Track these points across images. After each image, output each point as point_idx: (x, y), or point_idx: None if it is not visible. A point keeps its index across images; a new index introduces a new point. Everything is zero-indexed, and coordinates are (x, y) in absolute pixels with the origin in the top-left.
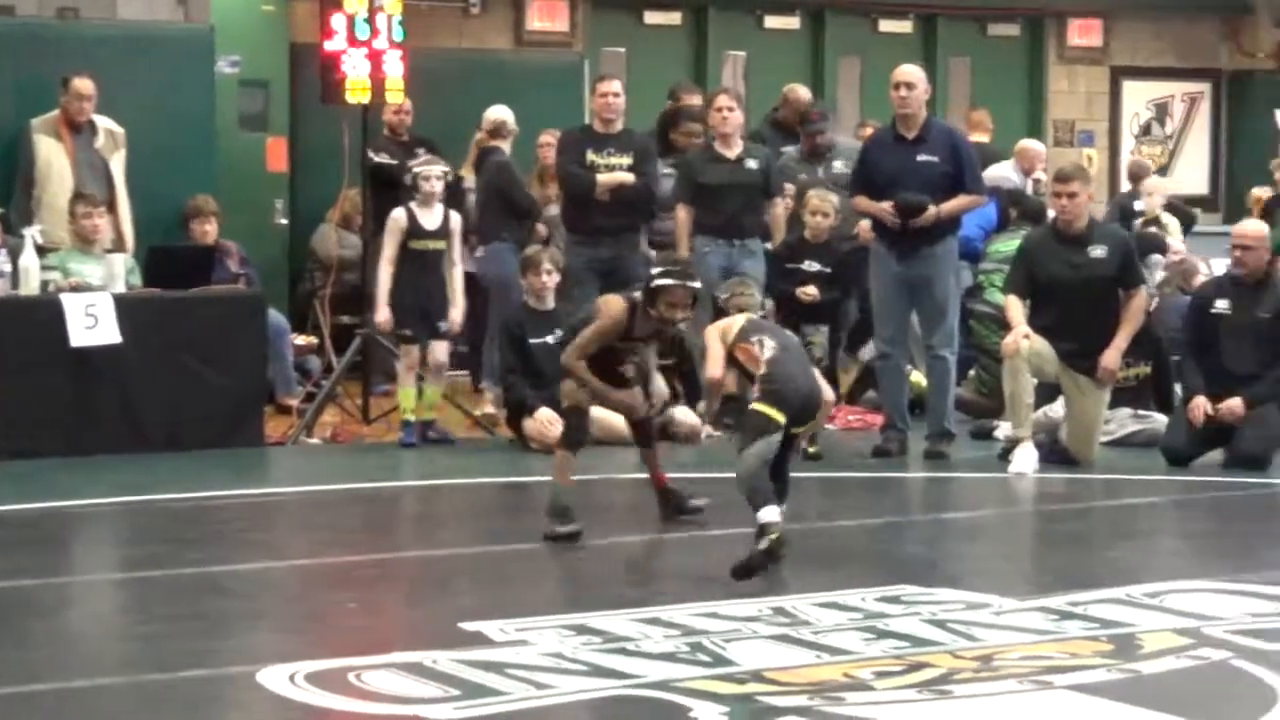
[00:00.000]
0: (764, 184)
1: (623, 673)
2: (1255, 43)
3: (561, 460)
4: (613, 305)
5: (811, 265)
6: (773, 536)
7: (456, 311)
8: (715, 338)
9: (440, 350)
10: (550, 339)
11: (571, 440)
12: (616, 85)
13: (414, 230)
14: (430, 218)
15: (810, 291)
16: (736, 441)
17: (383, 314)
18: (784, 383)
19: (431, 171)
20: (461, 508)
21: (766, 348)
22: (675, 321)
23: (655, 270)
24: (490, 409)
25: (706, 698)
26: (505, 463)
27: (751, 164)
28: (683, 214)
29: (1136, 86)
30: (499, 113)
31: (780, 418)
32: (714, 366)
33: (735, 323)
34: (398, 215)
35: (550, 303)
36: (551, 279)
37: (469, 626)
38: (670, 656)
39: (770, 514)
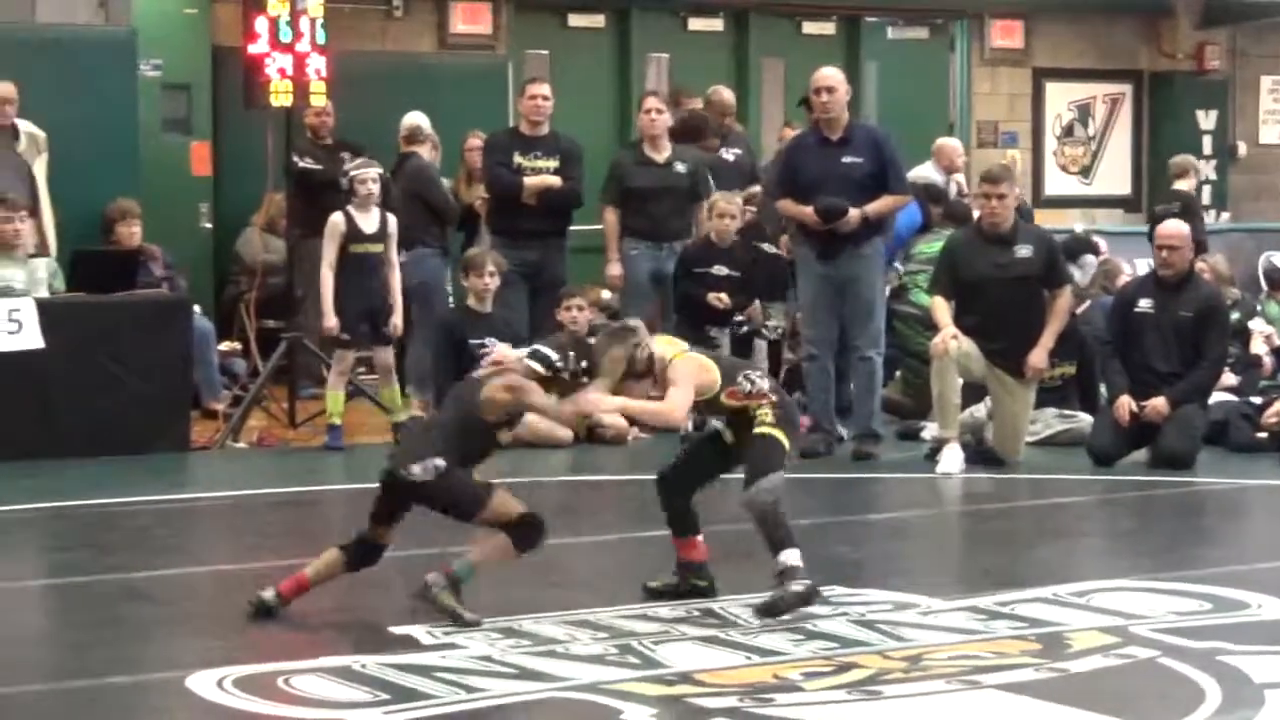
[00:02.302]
0: (692, 188)
1: (552, 675)
2: (1175, 44)
3: None
4: None
5: (720, 269)
6: (805, 582)
7: (396, 315)
8: (689, 386)
9: (386, 353)
10: (489, 342)
11: None
12: (545, 88)
13: (353, 234)
14: (368, 221)
15: (722, 298)
16: (752, 470)
17: (330, 320)
18: (791, 408)
19: (368, 174)
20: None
21: (755, 383)
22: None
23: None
24: (418, 413)
25: (636, 700)
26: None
27: (680, 168)
28: (611, 217)
29: (1059, 88)
30: (413, 119)
31: (791, 447)
32: (679, 412)
33: (710, 374)
34: (336, 219)
35: (489, 305)
36: (494, 281)
37: (398, 630)
38: (599, 659)
39: (793, 557)
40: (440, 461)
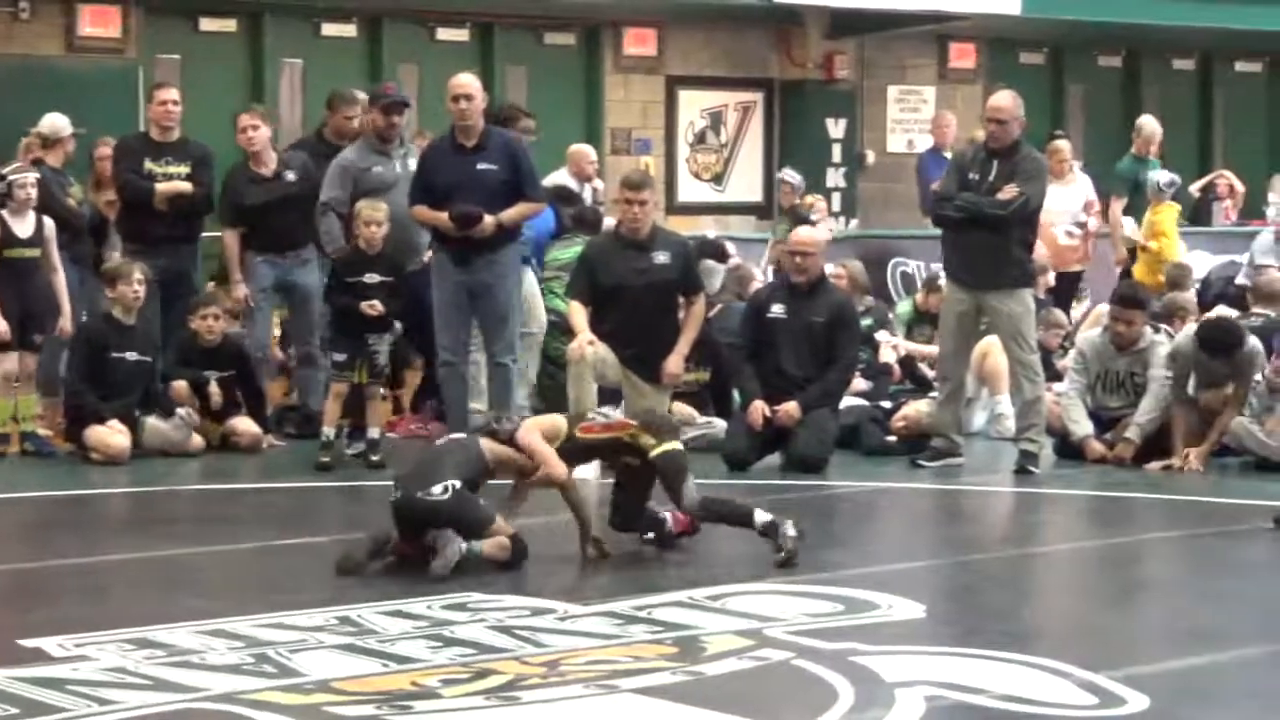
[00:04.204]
0: (308, 192)
1: (187, 686)
2: (805, 53)
3: None
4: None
5: (372, 277)
6: (790, 528)
7: (65, 319)
8: (541, 441)
9: (31, 360)
10: (130, 355)
11: None
12: (174, 93)
13: (7, 239)
14: (24, 225)
15: (376, 306)
16: (669, 491)
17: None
18: (664, 416)
19: (27, 179)
20: (20, 522)
21: (611, 413)
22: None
23: None
24: (45, 431)
25: (273, 709)
26: (64, 475)
27: (290, 175)
28: (230, 239)
29: (691, 95)
30: (47, 124)
31: (682, 446)
32: (557, 466)
33: (553, 419)
34: None
35: (135, 316)
36: (142, 289)
37: (27, 643)
38: (235, 668)
39: (765, 514)
40: (456, 482)
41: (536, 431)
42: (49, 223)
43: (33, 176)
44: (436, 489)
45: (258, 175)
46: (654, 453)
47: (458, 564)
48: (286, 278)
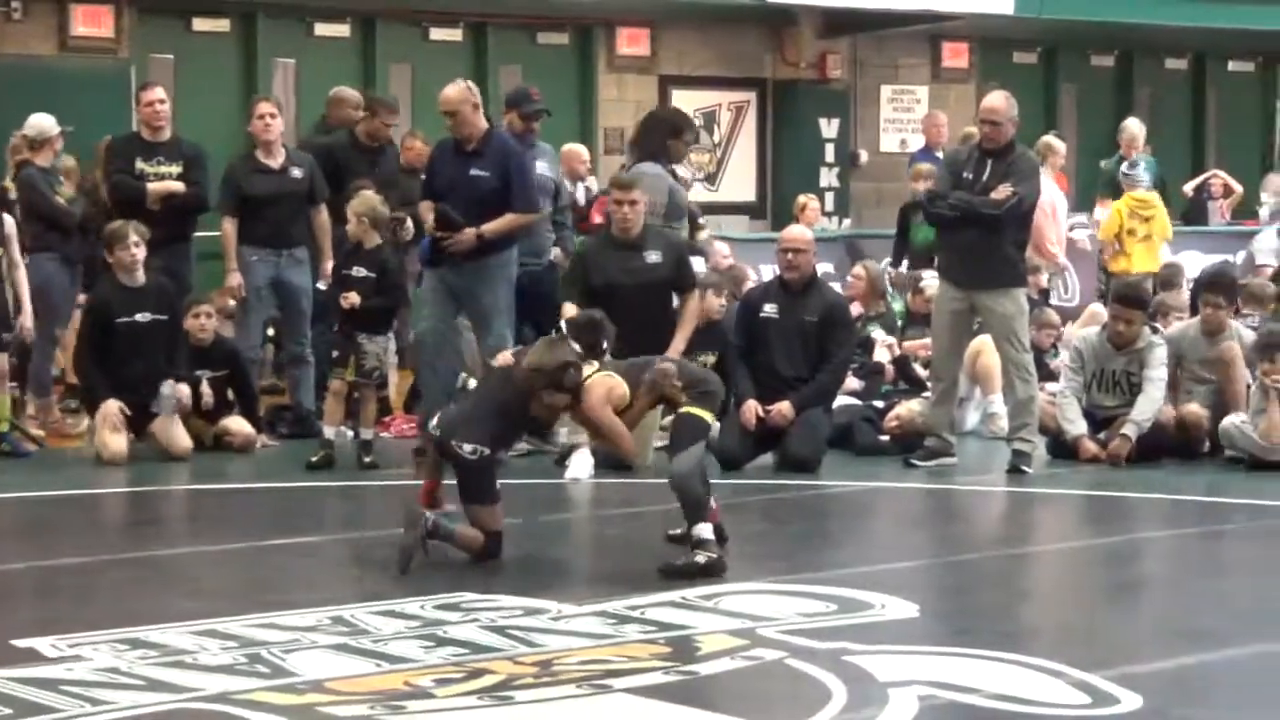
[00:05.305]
0: (309, 192)
1: (180, 686)
2: (798, 52)
3: None
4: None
5: (359, 271)
6: (712, 556)
7: (25, 317)
8: (613, 418)
9: (1, 360)
10: (142, 316)
11: None
12: (160, 93)
13: None
14: None
15: (349, 298)
16: (671, 447)
17: None
18: (711, 381)
19: None
20: (12, 522)
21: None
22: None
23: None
24: (37, 432)
25: (266, 709)
26: (56, 475)
27: (297, 172)
28: (228, 227)
29: (684, 95)
30: (34, 125)
31: (713, 420)
32: (629, 446)
33: (621, 389)
34: None
35: (141, 278)
36: (140, 250)
37: (20, 643)
38: (228, 669)
39: (705, 530)
40: (487, 450)
41: (607, 405)
42: (8, 220)
43: None
44: (467, 447)
45: (265, 166)
46: (683, 409)
47: (425, 537)
48: (280, 276)
